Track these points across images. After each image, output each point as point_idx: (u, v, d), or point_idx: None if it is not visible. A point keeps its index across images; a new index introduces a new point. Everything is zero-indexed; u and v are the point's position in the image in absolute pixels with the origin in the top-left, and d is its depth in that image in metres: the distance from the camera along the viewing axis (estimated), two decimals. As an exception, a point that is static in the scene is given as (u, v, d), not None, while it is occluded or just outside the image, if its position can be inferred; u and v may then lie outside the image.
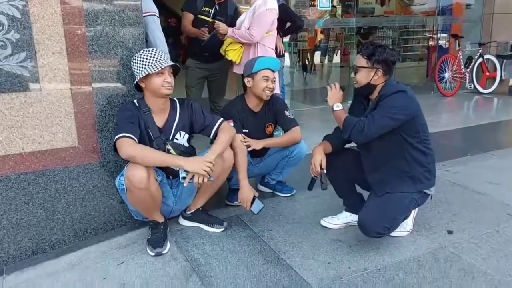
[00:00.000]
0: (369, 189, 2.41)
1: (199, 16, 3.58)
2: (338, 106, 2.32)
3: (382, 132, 2.15)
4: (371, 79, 2.23)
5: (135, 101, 2.30)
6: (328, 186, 2.35)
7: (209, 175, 2.14)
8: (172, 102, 2.40)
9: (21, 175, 2.20)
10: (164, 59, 2.22)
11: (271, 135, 2.90)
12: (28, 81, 2.13)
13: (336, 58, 11.18)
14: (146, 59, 2.19)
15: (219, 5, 3.60)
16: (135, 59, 2.23)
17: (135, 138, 2.14)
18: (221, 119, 2.43)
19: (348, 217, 2.49)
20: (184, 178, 2.18)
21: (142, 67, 2.19)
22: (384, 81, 2.24)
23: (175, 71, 2.32)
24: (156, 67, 2.17)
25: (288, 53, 9.02)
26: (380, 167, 2.30)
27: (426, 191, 2.30)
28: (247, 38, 3.36)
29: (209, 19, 3.56)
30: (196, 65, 3.72)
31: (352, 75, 2.34)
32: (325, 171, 2.32)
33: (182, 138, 2.39)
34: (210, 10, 3.56)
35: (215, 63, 3.71)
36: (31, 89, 2.15)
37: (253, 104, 2.79)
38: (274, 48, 3.65)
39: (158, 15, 2.87)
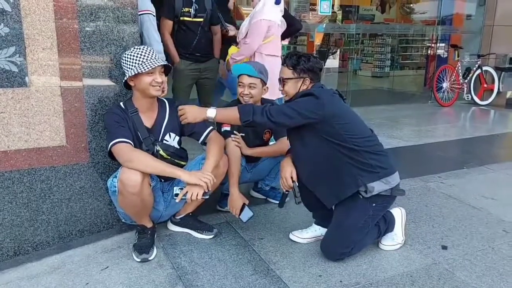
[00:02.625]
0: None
1: (181, 18, 3.42)
2: (212, 112, 2.14)
3: (286, 121, 2.07)
4: (299, 89, 2.19)
5: (121, 103, 2.23)
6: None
7: (207, 190, 2.09)
8: (161, 102, 2.33)
9: (5, 173, 2.13)
10: (155, 58, 2.15)
11: (267, 142, 2.85)
12: (16, 77, 2.06)
13: (335, 63, 11.16)
14: (137, 57, 2.12)
15: (197, 2, 3.45)
16: (125, 57, 2.16)
17: (131, 142, 2.09)
18: (211, 127, 2.35)
19: (317, 231, 2.41)
20: (177, 195, 2.13)
21: (132, 66, 2.12)
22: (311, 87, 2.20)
23: (166, 71, 2.25)
24: (146, 66, 2.10)
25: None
26: (317, 175, 2.20)
27: (381, 192, 2.13)
28: (247, 50, 3.43)
29: (192, 19, 3.44)
30: (187, 65, 3.56)
31: (280, 87, 2.24)
32: (297, 183, 2.24)
33: (172, 140, 2.33)
34: (190, 9, 3.41)
35: (206, 62, 3.64)
36: (19, 85, 2.08)
37: None
38: (275, 54, 3.57)
39: (154, 14, 2.80)
